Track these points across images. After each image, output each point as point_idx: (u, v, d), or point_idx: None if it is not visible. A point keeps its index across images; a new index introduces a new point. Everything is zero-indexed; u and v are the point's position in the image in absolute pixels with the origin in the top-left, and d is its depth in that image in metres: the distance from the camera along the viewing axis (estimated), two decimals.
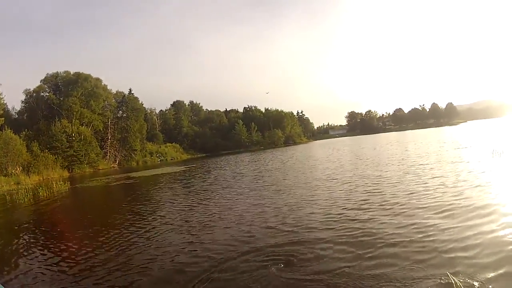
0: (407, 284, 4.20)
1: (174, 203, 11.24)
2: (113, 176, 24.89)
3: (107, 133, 41.35)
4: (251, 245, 6.00)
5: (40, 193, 16.15)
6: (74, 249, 6.56)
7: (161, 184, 18.36)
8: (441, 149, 20.26)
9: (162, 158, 47.48)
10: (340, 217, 7.18)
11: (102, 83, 44.48)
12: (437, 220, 6.31)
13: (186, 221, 8.28)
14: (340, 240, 5.84)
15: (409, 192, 8.89)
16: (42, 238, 7.93)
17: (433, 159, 15.80)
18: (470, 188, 8.67)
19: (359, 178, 12.22)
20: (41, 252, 6.56)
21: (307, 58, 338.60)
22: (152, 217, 9.21)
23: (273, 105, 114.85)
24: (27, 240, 7.75)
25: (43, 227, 9.17)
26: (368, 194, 9.11)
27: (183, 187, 16.05)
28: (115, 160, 41.04)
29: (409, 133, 74.46)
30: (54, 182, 18.75)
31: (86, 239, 7.31)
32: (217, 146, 62.66)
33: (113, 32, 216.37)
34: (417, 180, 10.52)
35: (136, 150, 43.51)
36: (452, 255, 4.86)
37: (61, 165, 29.76)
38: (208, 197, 11.79)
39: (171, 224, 8.11)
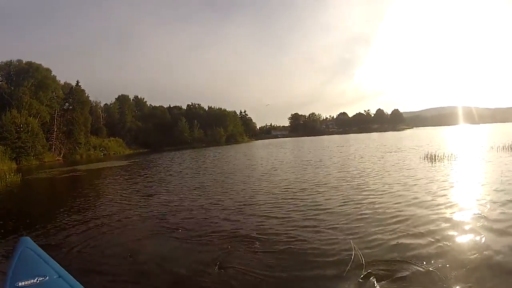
0: (322, 243, 5.41)
1: (126, 192, 12.44)
2: (60, 169, 25.36)
3: (53, 125, 40.80)
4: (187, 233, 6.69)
5: None
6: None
7: (109, 177, 19.19)
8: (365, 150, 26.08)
9: (105, 152, 47.78)
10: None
11: (52, 74, 44.18)
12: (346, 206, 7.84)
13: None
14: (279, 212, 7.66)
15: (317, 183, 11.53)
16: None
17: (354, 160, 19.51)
18: (366, 177, 11.91)
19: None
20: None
21: (253, 60, 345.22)
22: (95, 208, 9.73)
23: (217, 104, 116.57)
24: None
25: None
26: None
27: (128, 180, 16.91)
28: (60, 153, 40.69)
29: (348, 136, 78.98)
30: (6, 174, 19.03)
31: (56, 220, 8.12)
32: (160, 142, 63.83)
33: (64, 24, 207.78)
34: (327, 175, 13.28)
35: (81, 143, 43.55)
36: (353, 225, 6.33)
37: (10, 156, 29.75)
38: (149, 191, 12.52)
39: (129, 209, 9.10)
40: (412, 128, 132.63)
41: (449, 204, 7.52)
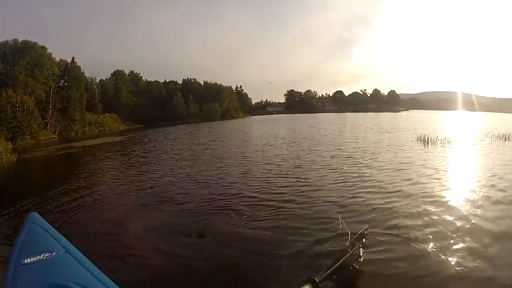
0: (313, 217, 5.98)
1: (119, 168, 13.20)
2: (55, 146, 25.63)
3: (49, 103, 40.50)
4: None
5: None
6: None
7: (103, 153, 19.81)
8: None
9: (101, 128, 48.01)
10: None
11: (47, 51, 43.48)
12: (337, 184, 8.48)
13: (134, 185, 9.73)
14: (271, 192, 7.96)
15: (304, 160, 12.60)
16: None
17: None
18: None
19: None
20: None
21: (250, 36, 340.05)
22: (91, 185, 10.09)
23: (213, 79, 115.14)
24: None
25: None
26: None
27: (122, 156, 17.56)
28: (55, 131, 40.54)
29: (344, 115, 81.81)
30: (2, 154, 18.60)
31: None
32: (155, 117, 64.06)
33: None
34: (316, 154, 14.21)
35: (76, 120, 43.51)
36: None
37: (5, 137, 29.85)
38: (145, 168, 12.99)
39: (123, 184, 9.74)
40: (408, 110, 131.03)
41: (436, 184, 8.20)
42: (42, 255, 2.47)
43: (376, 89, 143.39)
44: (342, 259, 3.96)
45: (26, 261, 2.41)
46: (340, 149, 15.76)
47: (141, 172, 11.89)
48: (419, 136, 18.87)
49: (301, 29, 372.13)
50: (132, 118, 60.83)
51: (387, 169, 10.52)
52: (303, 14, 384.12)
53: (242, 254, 4.70)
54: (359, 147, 16.17)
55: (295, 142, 20.12)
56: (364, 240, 4.76)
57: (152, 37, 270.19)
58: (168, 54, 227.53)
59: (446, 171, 10.01)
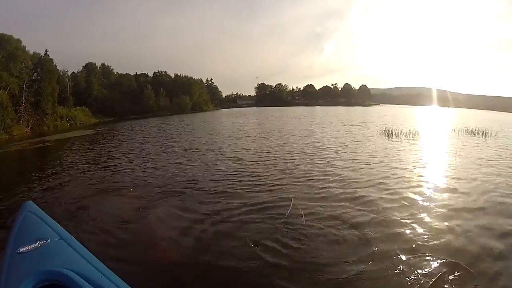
0: (271, 195, 7.05)
1: (89, 160, 13.86)
2: (29, 141, 25.58)
3: (22, 97, 40.13)
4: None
5: None
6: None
7: (75, 147, 20.27)
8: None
9: (72, 122, 48.20)
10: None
11: (22, 44, 43.53)
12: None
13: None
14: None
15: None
16: None
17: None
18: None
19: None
20: None
21: (223, 27, 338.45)
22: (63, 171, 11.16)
23: (184, 72, 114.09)
24: None
25: None
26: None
27: (92, 149, 18.16)
28: (28, 125, 40.13)
29: (313, 108, 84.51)
30: None
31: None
32: (126, 110, 64.62)
33: None
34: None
35: (48, 114, 43.37)
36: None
37: None
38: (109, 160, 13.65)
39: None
40: (379, 104, 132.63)
41: (390, 173, 9.07)
42: (37, 243, 2.51)
43: (347, 83, 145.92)
44: None
45: (21, 249, 2.44)
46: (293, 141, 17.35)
47: (108, 163, 12.66)
48: (384, 129, 19.76)
49: (274, 21, 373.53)
50: (103, 111, 60.89)
51: (343, 159, 11.75)
52: (276, 6, 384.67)
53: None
54: (322, 140, 17.60)
55: (261, 135, 21.05)
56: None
57: (125, 28, 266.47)
58: (140, 46, 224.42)
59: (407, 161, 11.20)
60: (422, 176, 8.98)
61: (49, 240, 2.57)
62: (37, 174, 11.03)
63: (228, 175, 9.51)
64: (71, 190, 8.50)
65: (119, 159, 13.50)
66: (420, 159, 11.81)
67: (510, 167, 10.11)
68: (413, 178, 8.69)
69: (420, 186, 7.87)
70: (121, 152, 15.61)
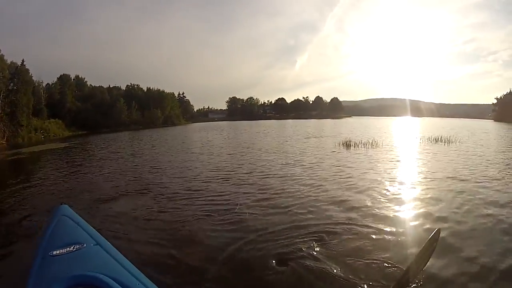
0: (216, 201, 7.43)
1: (62, 173, 13.20)
2: (5, 152, 25.34)
3: None
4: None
5: None
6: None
7: (49, 159, 19.80)
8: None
9: (46, 134, 48.59)
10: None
11: (0, 53, 43.70)
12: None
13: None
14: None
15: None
16: None
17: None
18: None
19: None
20: None
21: (197, 37, 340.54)
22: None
23: (157, 85, 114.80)
24: None
25: None
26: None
27: (65, 162, 17.73)
28: (4, 136, 39.92)
29: (284, 122, 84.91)
30: None
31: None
32: (98, 123, 65.80)
33: None
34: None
35: (23, 126, 43.62)
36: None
37: None
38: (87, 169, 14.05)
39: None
40: (351, 116, 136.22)
41: (341, 183, 9.17)
42: (72, 247, 2.51)
43: (318, 96, 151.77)
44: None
45: (54, 252, 2.44)
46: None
47: (79, 176, 12.54)
48: (344, 140, 19.69)
49: (247, 32, 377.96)
50: (76, 124, 61.62)
51: (302, 167, 12.12)
52: (250, 18, 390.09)
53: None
54: (283, 150, 17.99)
55: (224, 149, 20.98)
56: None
57: (100, 38, 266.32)
58: (114, 57, 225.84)
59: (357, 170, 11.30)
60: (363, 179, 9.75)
61: (85, 245, 2.57)
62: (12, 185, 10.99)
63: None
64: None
65: (85, 172, 13.60)
66: (371, 164, 12.52)
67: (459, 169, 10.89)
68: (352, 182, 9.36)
69: (352, 188, 8.60)
70: (89, 166, 15.73)
